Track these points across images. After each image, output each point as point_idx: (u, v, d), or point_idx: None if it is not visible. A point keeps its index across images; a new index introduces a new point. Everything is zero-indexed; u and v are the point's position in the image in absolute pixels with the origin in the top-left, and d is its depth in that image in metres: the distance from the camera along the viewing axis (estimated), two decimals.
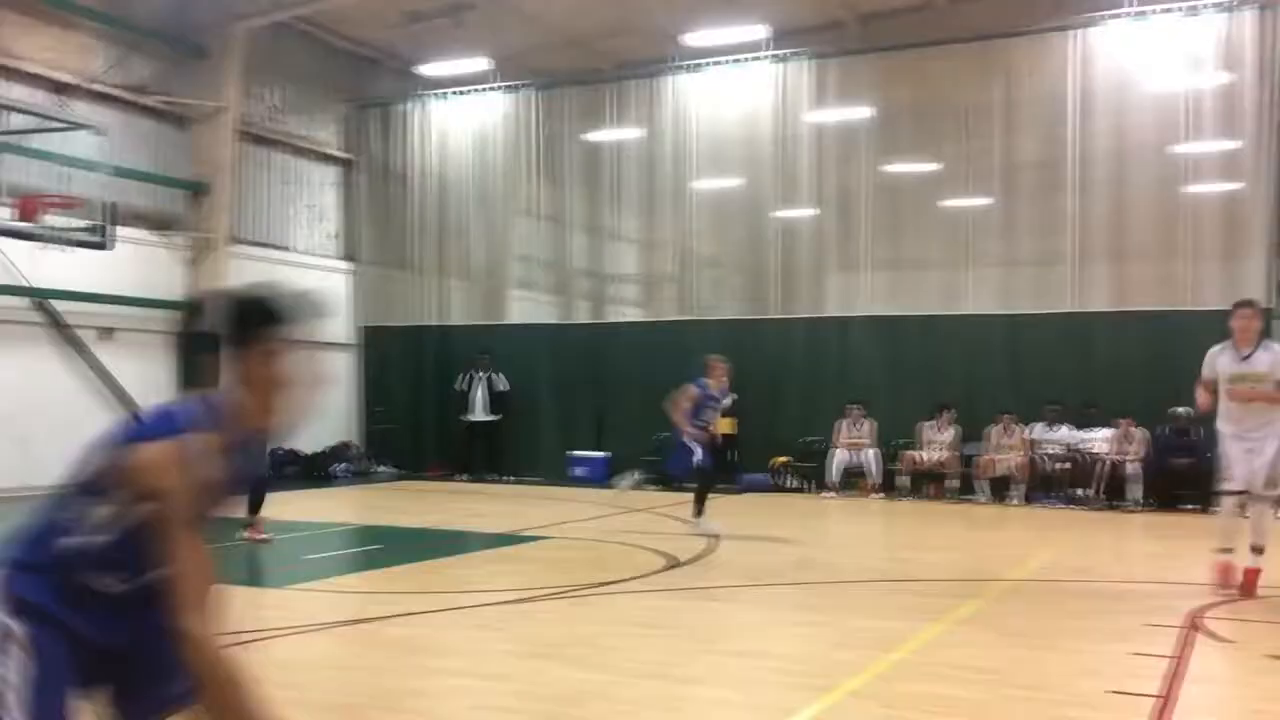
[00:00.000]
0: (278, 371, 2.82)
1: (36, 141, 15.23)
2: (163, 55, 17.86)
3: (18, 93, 15.57)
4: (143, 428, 2.81)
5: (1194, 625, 7.14)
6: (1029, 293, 16.91)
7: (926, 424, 16.46)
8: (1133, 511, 14.70)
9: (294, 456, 18.46)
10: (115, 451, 2.77)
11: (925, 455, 16.37)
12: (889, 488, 16.48)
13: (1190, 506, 14.22)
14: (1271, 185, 15.53)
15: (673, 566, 9.78)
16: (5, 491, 12.06)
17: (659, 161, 19.07)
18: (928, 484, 16.37)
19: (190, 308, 17.41)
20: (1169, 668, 6.07)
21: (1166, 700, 5.45)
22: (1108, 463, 15.18)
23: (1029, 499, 15.59)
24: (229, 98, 18.10)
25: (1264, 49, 15.53)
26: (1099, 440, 15.49)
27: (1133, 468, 15.04)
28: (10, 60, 15.64)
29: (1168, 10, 16.14)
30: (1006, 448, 15.93)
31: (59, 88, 16.24)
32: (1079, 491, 15.39)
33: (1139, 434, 15.20)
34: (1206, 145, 16.00)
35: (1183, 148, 16.03)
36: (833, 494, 16.54)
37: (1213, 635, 6.95)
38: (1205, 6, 15.89)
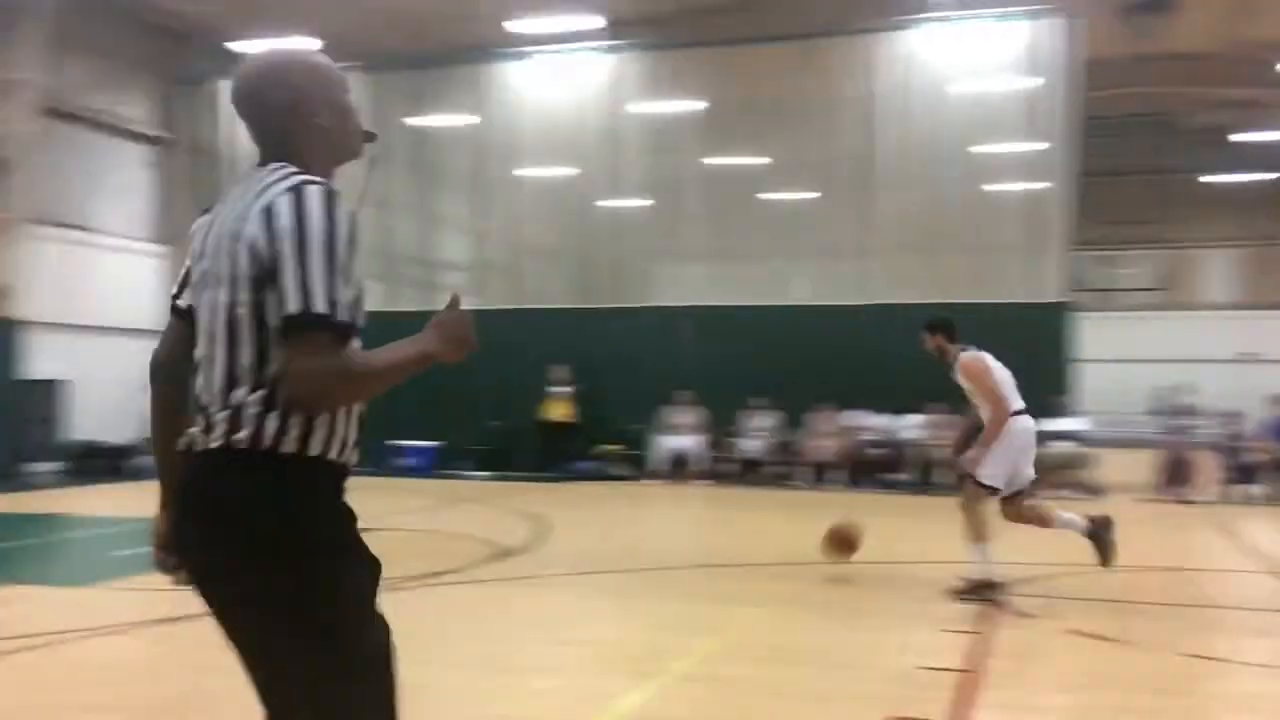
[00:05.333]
0: None
1: None
2: None
3: None
4: None
5: (1000, 603, 7.52)
6: (846, 284, 17.48)
7: (749, 412, 16.86)
8: (944, 495, 15.34)
9: (96, 449, 17.64)
10: None
11: (747, 443, 16.78)
12: (715, 475, 16.81)
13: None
14: (1070, 185, 16.47)
15: (501, 556, 9.77)
16: None
17: (488, 149, 18.92)
18: (750, 470, 16.77)
19: None
20: (976, 643, 6.41)
21: (974, 674, 5.76)
22: (921, 448, 15.84)
23: (851, 483, 16.13)
24: (30, 70, 17.08)
25: (1068, 56, 16.45)
26: (912, 427, 16.15)
27: (942, 453, 15.72)
28: None
29: (977, 17, 16.95)
30: (825, 434, 16.46)
31: None
32: (895, 476, 16.02)
33: (949, 420, 15.91)
34: (1012, 146, 16.87)
35: (989, 148, 16.87)
36: (658, 481, 16.77)
37: (1020, 613, 7.35)
38: (1014, 14, 16.77)
